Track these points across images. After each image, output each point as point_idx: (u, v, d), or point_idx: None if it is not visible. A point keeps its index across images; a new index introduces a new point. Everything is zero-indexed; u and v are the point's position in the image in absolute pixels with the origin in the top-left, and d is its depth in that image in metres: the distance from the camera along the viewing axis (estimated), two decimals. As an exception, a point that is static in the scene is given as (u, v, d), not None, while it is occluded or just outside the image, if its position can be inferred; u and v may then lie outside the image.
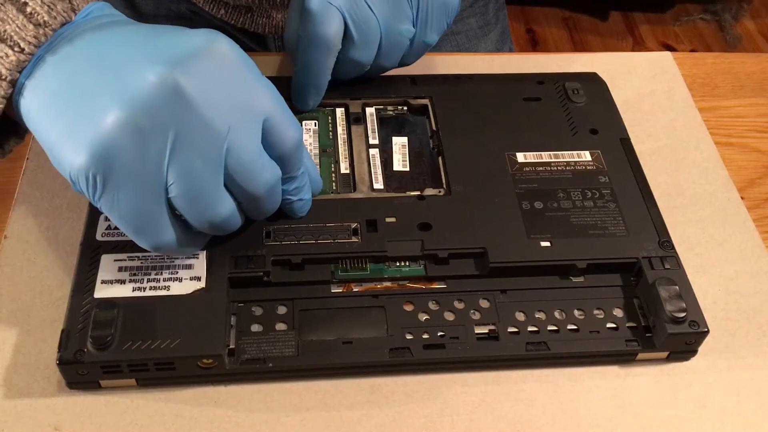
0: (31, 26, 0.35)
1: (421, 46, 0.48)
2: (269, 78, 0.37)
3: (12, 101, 0.36)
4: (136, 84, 0.33)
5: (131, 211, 0.35)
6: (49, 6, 0.35)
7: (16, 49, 0.35)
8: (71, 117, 0.34)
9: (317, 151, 0.46)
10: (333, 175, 0.45)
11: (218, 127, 0.34)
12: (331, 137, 0.47)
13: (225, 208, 0.36)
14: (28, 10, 0.35)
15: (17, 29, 0.35)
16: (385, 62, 0.48)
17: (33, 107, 0.35)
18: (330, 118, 0.48)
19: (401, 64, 0.49)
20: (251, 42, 0.65)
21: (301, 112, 0.48)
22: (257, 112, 0.36)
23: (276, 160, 0.37)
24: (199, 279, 0.39)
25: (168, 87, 0.33)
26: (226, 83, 0.35)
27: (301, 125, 0.47)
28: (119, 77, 0.34)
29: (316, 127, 0.48)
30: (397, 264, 0.41)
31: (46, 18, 0.35)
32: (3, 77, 0.35)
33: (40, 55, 0.35)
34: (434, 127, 0.48)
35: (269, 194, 0.38)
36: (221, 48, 0.35)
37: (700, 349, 0.40)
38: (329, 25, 0.44)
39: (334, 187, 0.44)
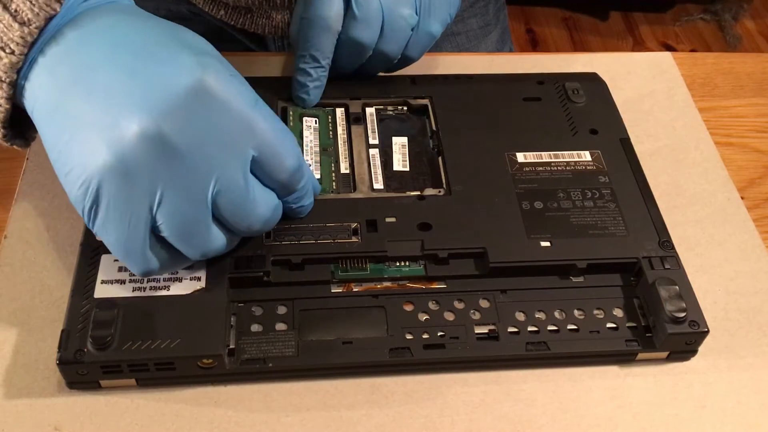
0: (16, 25, 0.34)
1: (425, 36, 0.48)
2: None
3: (17, 98, 0.36)
4: (121, 130, 0.33)
5: (118, 244, 0.35)
6: (30, 1, 0.34)
7: (7, 50, 0.34)
8: (63, 147, 0.34)
9: (318, 149, 0.46)
10: (333, 175, 0.45)
11: (205, 171, 0.34)
12: (331, 137, 0.47)
13: (216, 242, 0.37)
14: (13, 7, 0.34)
15: (5, 29, 0.34)
16: (388, 47, 0.47)
17: (34, 114, 0.35)
18: (330, 117, 0.48)
19: (405, 59, 0.49)
20: (251, 42, 0.65)
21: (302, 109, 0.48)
22: (248, 148, 0.35)
23: (274, 186, 0.38)
24: (199, 279, 0.39)
25: (152, 138, 0.33)
26: (213, 125, 0.34)
27: (301, 122, 0.47)
28: (105, 115, 0.33)
29: (317, 124, 0.48)
30: (397, 264, 0.41)
31: (29, 15, 0.34)
32: (2, 79, 0.34)
33: (33, 57, 0.35)
34: (434, 127, 0.48)
35: (265, 227, 0.38)
36: (209, 84, 0.34)
37: (700, 349, 0.40)
38: (330, 4, 0.44)
39: (334, 187, 0.44)
